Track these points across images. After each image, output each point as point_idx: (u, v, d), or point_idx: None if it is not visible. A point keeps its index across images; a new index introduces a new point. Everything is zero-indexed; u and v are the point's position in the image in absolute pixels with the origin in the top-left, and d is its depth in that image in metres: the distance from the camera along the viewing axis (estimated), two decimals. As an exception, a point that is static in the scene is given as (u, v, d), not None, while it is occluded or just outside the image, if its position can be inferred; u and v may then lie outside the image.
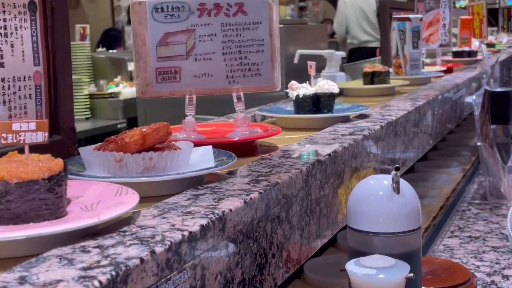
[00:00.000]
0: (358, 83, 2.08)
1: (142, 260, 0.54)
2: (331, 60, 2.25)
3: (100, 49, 5.38)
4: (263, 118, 1.50)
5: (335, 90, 1.33)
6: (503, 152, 1.96)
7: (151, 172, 0.79)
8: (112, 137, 0.84)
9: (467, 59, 3.33)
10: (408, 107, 1.50)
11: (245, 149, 1.07)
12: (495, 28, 5.89)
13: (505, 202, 1.87)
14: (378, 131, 1.20)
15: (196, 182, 0.80)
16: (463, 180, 2.17)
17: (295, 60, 2.34)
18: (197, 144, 0.92)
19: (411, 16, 2.26)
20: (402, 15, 2.32)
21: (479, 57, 3.30)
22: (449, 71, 2.68)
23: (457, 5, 8.06)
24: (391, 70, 2.22)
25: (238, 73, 1.08)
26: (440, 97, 1.83)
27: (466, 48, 3.44)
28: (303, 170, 0.86)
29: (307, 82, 1.37)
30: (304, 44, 2.62)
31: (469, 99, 2.23)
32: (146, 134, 0.81)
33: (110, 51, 5.27)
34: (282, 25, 2.70)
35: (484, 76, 2.63)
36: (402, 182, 0.83)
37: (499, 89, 2.07)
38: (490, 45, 4.54)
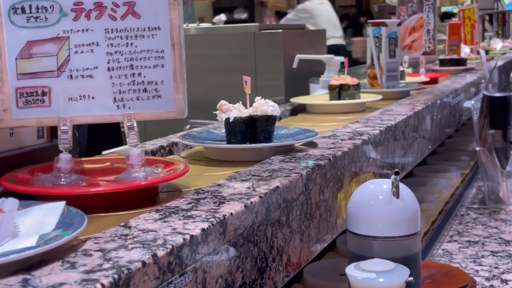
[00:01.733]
0: (324, 98, 1.82)
1: (144, 263, 0.54)
2: (330, 64, 2.26)
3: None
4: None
5: (275, 112, 1.06)
6: (501, 157, 1.97)
7: None
8: None
9: (455, 68, 3.02)
10: (407, 112, 1.51)
11: (138, 196, 0.82)
12: (492, 33, 5.79)
13: (503, 206, 1.88)
14: (377, 136, 1.21)
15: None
16: (462, 184, 2.17)
17: (294, 65, 2.35)
18: (53, 195, 0.73)
19: (387, 21, 2.00)
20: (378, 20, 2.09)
21: (469, 65, 3.08)
22: (433, 81, 2.42)
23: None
24: (365, 81, 2.03)
25: (129, 94, 0.83)
26: (439, 102, 1.84)
27: (455, 56, 3.13)
28: (303, 174, 0.87)
29: (240, 102, 1.10)
30: (303, 49, 2.63)
31: (467, 104, 2.24)
32: None
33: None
34: (281, 30, 2.71)
35: (482, 81, 2.64)
36: (402, 186, 0.84)
37: (498, 94, 2.08)
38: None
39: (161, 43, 0.83)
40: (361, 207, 0.84)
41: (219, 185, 0.81)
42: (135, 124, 0.83)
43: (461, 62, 3.06)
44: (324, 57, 2.29)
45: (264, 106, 1.06)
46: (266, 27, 2.84)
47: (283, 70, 2.57)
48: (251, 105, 1.09)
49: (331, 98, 1.74)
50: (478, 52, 3.68)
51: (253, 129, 1.06)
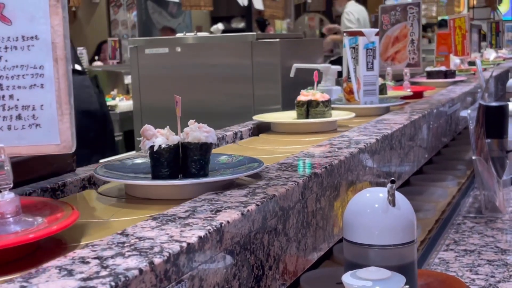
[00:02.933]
0: (291, 115, 1.60)
1: (141, 271, 0.54)
2: (327, 74, 2.27)
3: (96, 63, 5.41)
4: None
5: (210, 138, 0.89)
6: (498, 166, 1.97)
7: None
8: None
9: (443, 80, 2.77)
10: (404, 120, 1.52)
11: (7, 255, 0.63)
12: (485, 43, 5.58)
13: (500, 215, 1.88)
14: (374, 145, 1.21)
15: None
16: (458, 193, 2.18)
17: (291, 74, 2.35)
18: None
19: (364, 30, 1.80)
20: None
21: (458, 77, 2.86)
22: (417, 96, 2.21)
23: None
24: (341, 95, 1.87)
25: None
26: (435, 111, 1.84)
27: (443, 68, 2.86)
28: (299, 182, 0.87)
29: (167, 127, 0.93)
30: (300, 58, 2.64)
31: (464, 113, 2.25)
32: None
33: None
34: (278, 39, 2.73)
35: (478, 90, 2.65)
36: (398, 195, 0.84)
37: (494, 104, 2.08)
38: (474, 63, 3.97)
39: (39, 56, 0.66)
40: (357, 215, 0.85)
41: (216, 193, 0.82)
42: (7, 162, 0.65)
43: (449, 74, 2.83)
44: (321, 66, 2.30)
45: (197, 132, 0.90)
46: (263, 36, 2.85)
47: (280, 79, 2.58)
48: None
49: (299, 116, 1.54)
50: (469, 63, 3.57)
51: (184, 160, 0.89)
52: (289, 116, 1.60)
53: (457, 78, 2.83)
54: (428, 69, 2.87)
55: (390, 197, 0.83)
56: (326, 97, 1.52)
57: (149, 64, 2.78)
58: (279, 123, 1.55)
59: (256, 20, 8.54)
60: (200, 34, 3.05)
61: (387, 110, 1.80)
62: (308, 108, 1.51)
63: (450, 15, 3.68)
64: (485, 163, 1.89)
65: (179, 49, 2.73)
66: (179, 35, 2.93)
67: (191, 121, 0.93)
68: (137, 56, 2.78)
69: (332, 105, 1.66)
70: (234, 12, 9.10)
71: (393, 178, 0.82)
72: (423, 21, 7.69)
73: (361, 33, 1.76)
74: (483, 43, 5.39)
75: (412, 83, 2.63)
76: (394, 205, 0.83)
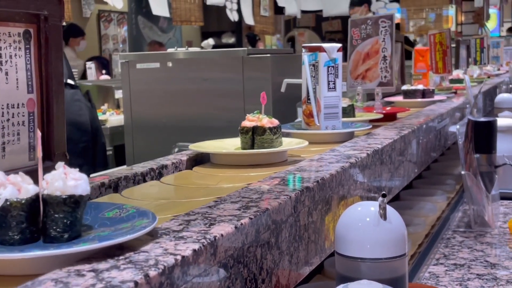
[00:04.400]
0: (235, 144, 1.36)
1: (136, 283, 0.55)
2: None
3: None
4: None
5: (81, 189, 0.66)
6: (486, 180, 1.99)
7: None
8: None
9: (420, 100, 2.52)
10: (394, 135, 1.53)
11: None
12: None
13: (489, 230, 1.90)
14: (364, 159, 1.22)
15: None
16: (447, 208, 2.19)
17: (282, 89, 2.37)
18: None
19: (325, 45, 1.54)
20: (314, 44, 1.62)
21: (437, 97, 2.64)
22: (390, 118, 2.00)
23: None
24: (300, 119, 1.63)
25: None
26: (424, 126, 1.86)
27: (420, 86, 2.58)
28: (292, 196, 0.88)
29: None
30: (291, 73, 2.66)
31: (453, 128, 2.27)
32: None
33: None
34: (269, 55, 2.74)
35: (467, 106, 2.67)
36: (389, 208, 0.85)
37: (483, 119, 2.11)
38: (456, 81, 3.64)
39: None
40: (349, 229, 0.85)
41: (210, 206, 0.82)
42: None
43: (427, 93, 2.56)
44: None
45: (59, 181, 0.66)
46: (254, 52, 2.87)
47: (271, 94, 2.60)
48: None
49: (243, 145, 1.30)
50: (451, 81, 3.40)
51: (44, 217, 0.66)
52: (234, 145, 1.36)
53: (436, 98, 2.61)
54: (405, 87, 2.62)
55: (381, 211, 0.84)
56: (274, 122, 1.30)
57: (141, 79, 2.80)
58: (217, 154, 1.31)
59: (246, 35, 8.60)
60: (191, 49, 3.06)
61: (351, 136, 1.57)
62: (254, 136, 1.28)
63: (430, 31, 3.36)
64: (474, 178, 1.90)
65: (170, 64, 2.74)
66: (170, 50, 2.95)
67: (59, 164, 0.68)
68: (129, 70, 2.79)
69: (291, 131, 1.54)
70: (225, 27, 9.15)
71: (384, 192, 0.83)
72: (411, 37, 7.73)
73: (321, 49, 1.53)
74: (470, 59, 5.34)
75: (387, 103, 2.49)
76: (385, 219, 0.84)
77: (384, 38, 2.16)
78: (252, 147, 1.28)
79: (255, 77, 2.63)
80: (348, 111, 1.80)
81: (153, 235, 0.69)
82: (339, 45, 1.56)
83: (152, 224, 0.69)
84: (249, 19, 6.88)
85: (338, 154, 1.24)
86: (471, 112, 2.08)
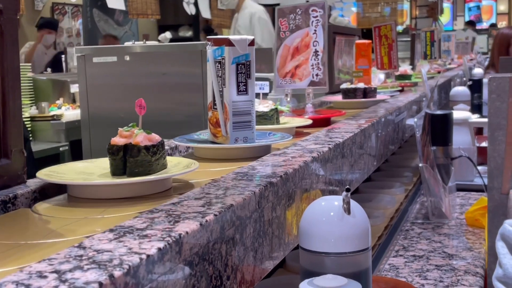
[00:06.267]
0: (103, 168, 1.02)
1: (101, 284, 0.54)
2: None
3: (47, 72, 5.32)
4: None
5: None
6: (443, 173, 2.03)
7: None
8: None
9: (362, 100, 2.20)
10: (354, 129, 1.54)
11: None
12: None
13: (446, 221, 1.94)
14: (326, 153, 1.23)
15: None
16: (406, 200, 2.23)
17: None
18: None
19: (233, 37, 1.22)
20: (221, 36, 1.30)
21: (380, 96, 2.35)
22: (322, 123, 1.72)
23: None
24: (208, 133, 1.30)
25: None
26: (383, 119, 1.88)
27: (361, 85, 2.24)
28: (256, 192, 0.88)
29: None
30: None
31: (410, 121, 2.30)
32: None
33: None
34: (227, 49, 2.73)
35: (424, 99, 2.71)
36: (353, 203, 0.85)
37: (439, 112, 2.14)
38: (403, 77, 3.40)
39: None
40: (313, 223, 0.86)
41: (173, 203, 0.81)
42: None
43: (369, 92, 2.24)
44: (271, 75, 2.31)
45: None
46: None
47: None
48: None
49: (114, 170, 0.98)
50: (397, 78, 3.27)
51: None
52: (105, 167, 1.01)
53: (379, 97, 2.31)
54: (344, 86, 2.28)
55: (345, 205, 0.84)
56: (153, 139, 0.99)
57: (97, 73, 2.75)
58: (76, 187, 0.95)
59: (203, 29, 8.54)
60: (149, 42, 3.03)
61: (267, 150, 1.26)
62: (126, 158, 0.97)
63: (375, 24, 3.05)
64: (431, 170, 1.94)
65: (127, 58, 2.70)
66: (127, 43, 2.90)
67: None
68: (85, 64, 2.74)
69: (192, 145, 1.27)
70: (182, 20, 9.08)
71: (348, 187, 0.83)
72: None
73: (228, 42, 1.20)
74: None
75: (323, 104, 2.26)
76: (349, 213, 0.84)
77: (315, 30, 1.82)
78: (124, 173, 0.97)
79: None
80: (271, 117, 1.52)
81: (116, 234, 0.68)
82: (251, 37, 1.23)
83: None
84: (206, 13, 6.84)
85: (300, 148, 1.24)
86: (428, 105, 2.11)
